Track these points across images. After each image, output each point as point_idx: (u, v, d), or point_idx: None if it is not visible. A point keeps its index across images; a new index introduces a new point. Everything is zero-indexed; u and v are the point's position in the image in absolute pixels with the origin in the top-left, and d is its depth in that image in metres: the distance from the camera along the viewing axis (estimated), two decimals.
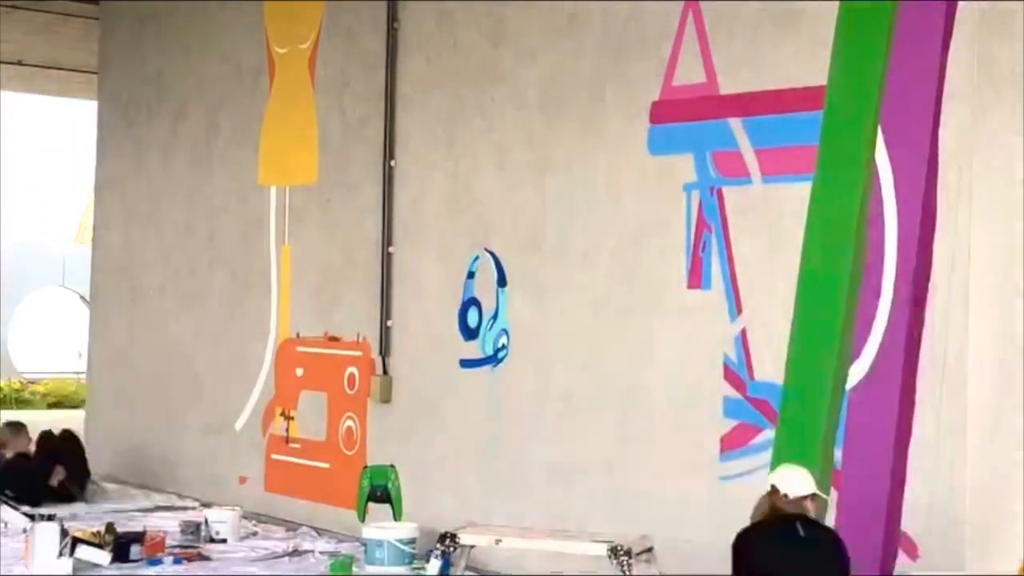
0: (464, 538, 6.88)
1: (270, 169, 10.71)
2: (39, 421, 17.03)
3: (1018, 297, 6.16)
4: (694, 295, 7.27)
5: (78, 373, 20.51)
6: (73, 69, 17.02)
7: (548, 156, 8.21)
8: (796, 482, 6.00)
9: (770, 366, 6.81)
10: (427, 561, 8.17)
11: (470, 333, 8.68)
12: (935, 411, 6.14)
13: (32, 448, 10.86)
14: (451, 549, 6.86)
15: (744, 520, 6.57)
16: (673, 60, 7.43)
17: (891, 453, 6.27)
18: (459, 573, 7.99)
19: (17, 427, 11.05)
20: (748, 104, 6.81)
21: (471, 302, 8.70)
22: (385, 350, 9.37)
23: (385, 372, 9.36)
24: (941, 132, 6.19)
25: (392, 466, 8.28)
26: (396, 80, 9.39)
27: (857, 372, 6.44)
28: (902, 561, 6.22)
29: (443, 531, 6.93)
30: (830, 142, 6.62)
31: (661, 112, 7.51)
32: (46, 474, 10.58)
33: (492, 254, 8.56)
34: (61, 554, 8.18)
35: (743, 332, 7.00)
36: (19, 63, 16.97)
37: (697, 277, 7.25)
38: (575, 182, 8.01)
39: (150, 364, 12.08)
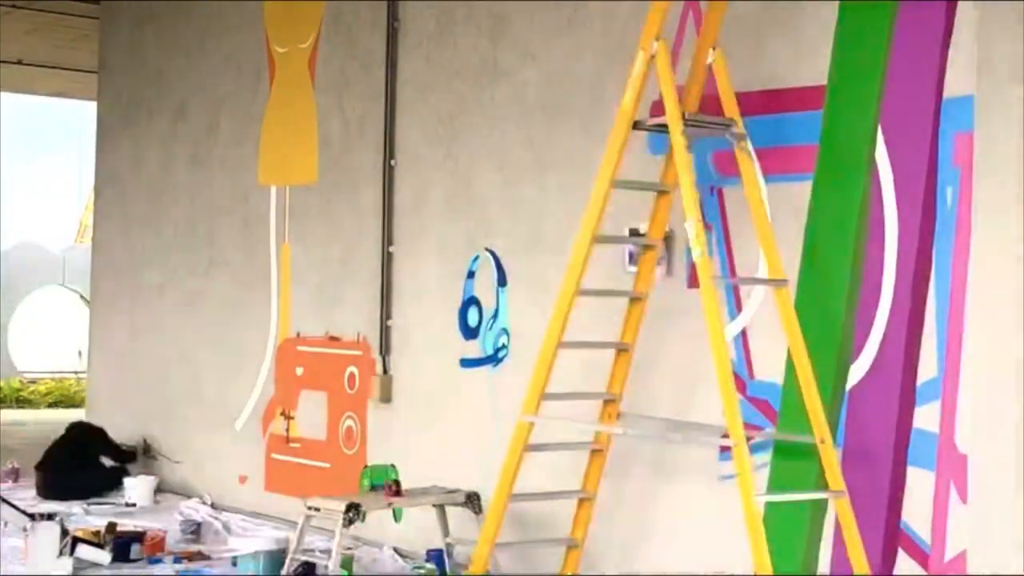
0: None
1: (270, 169, 10.72)
2: (39, 421, 17.06)
3: (1018, 297, 6.16)
4: (694, 295, 7.26)
5: (78, 373, 20.52)
6: (73, 69, 17.04)
7: (548, 156, 8.21)
8: None
9: (770, 366, 6.81)
10: (427, 561, 8.23)
11: (470, 333, 8.69)
12: (935, 410, 6.14)
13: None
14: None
15: (743, 522, 6.59)
16: (673, 60, 7.42)
17: (891, 452, 6.27)
18: (458, 573, 8.01)
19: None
20: (748, 104, 6.80)
21: (471, 302, 8.70)
22: (385, 350, 9.37)
23: (385, 372, 9.37)
24: (941, 131, 6.19)
25: (392, 466, 8.28)
26: (396, 80, 9.40)
27: (857, 372, 6.44)
28: (904, 562, 6.23)
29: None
30: (830, 142, 6.62)
31: (661, 112, 7.49)
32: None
33: (492, 254, 8.56)
34: (61, 554, 8.19)
35: (743, 332, 7.00)
36: (19, 63, 16.98)
37: (697, 277, 7.24)
38: (575, 182, 8.01)
39: (150, 364, 12.09)
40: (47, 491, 11.06)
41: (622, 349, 7.17)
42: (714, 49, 6.70)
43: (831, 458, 6.20)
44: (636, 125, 6.73)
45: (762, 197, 6.57)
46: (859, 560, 6.09)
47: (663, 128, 6.57)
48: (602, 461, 7.24)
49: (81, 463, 11.25)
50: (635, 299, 7.16)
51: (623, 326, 7.16)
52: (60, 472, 11.14)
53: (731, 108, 6.61)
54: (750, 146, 6.60)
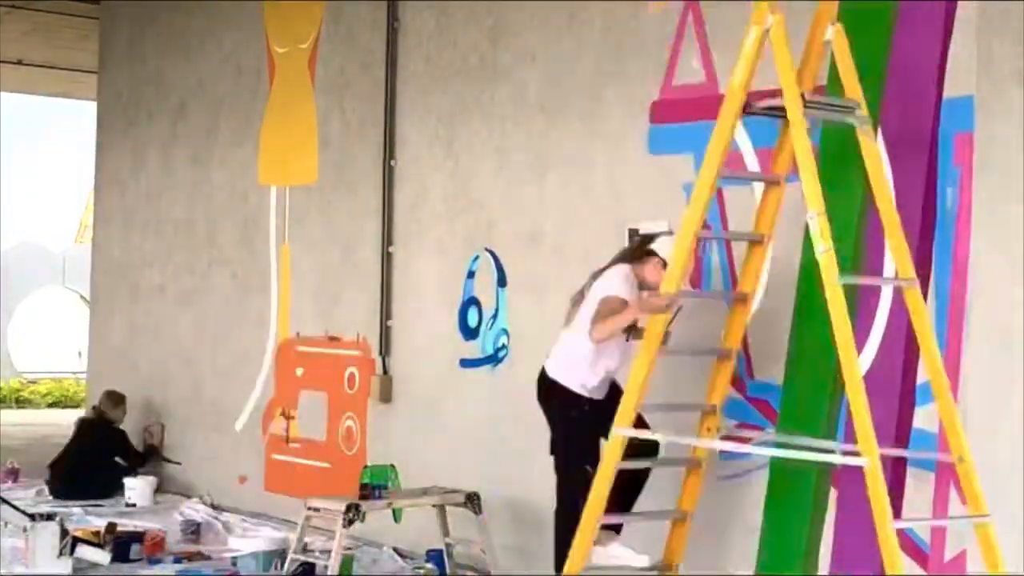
0: None
1: (270, 169, 10.72)
2: (39, 421, 17.04)
3: (1018, 296, 6.16)
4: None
5: (78, 373, 20.52)
6: (73, 69, 17.03)
7: (548, 156, 8.21)
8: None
9: (770, 366, 6.80)
10: (427, 561, 8.23)
11: (470, 333, 8.69)
12: (934, 410, 6.13)
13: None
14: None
15: (743, 522, 6.59)
16: (673, 60, 7.43)
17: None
18: (455, 573, 8.01)
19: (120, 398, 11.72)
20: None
21: (471, 302, 8.70)
22: (385, 350, 9.37)
23: (385, 372, 9.37)
24: (941, 131, 6.19)
25: (392, 466, 8.28)
26: (396, 80, 9.40)
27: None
28: (904, 562, 6.21)
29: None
30: (830, 142, 6.61)
31: (661, 112, 7.50)
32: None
33: (492, 254, 8.56)
34: (61, 554, 8.19)
35: (743, 332, 6.98)
36: (19, 63, 16.98)
37: (697, 277, 7.24)
38: (575, 182, 8.02)
39: (150, 364, 12.09)
40: (62, 491, 11.05)
41: (724, 356, 6.54)
42: (834, 24, 6.13)
43: (971, 478, 5.71)
44: (747, 108, 6.13)
45: (888, 188, 6.01)
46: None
47: (777, 111, 6.05)
48: (699, 477, 6.58)
49: (97, 462, 11.23)
50: (739, 300, 6.55)
51: (725, 331, 6.57)
52: (76, 471, 11.12)
53: (853, 89, 6.04)
54: (872, 132, 6.08)
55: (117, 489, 10.93)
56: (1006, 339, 6.13)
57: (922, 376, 6.20)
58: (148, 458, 11.52)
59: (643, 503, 6.85)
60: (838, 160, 6.55)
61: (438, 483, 8.24)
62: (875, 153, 6.01)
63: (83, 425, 11.64)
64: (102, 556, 8.42)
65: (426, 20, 9.17)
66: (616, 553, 6.64)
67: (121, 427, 11.50)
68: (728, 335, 6.53)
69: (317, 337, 10.05)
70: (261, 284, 10.70)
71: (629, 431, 6.21)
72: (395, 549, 8.86)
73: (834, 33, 6.10)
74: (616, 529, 6.71)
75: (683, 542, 6.55)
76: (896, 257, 5.95)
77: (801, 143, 5.78)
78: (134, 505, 10.71)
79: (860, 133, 6.02)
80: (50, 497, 11.04)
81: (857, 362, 5.63)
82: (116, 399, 11.61)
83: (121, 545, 8.57)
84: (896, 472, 6.23)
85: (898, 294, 6.26)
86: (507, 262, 8.48)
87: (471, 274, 8.72)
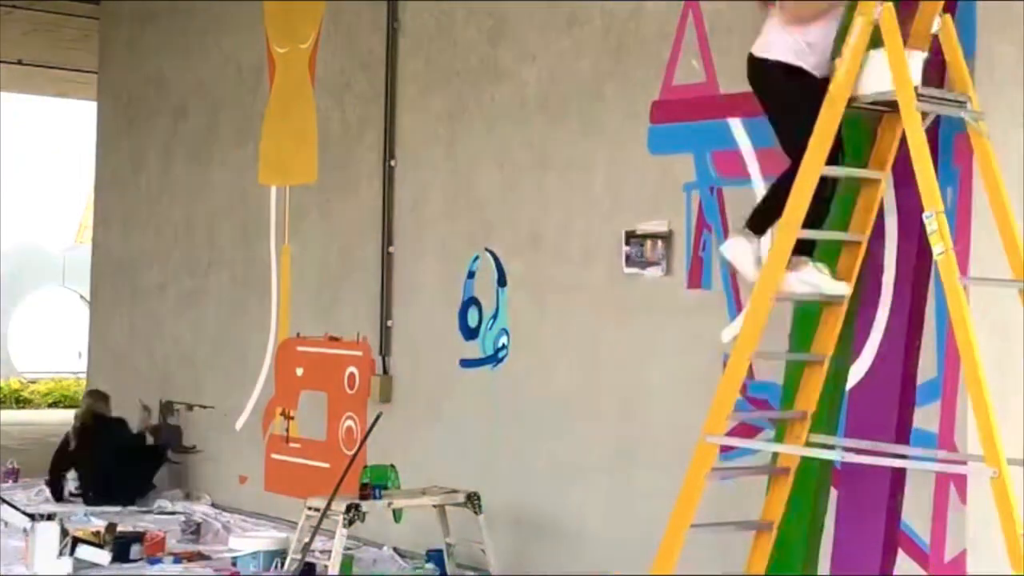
0: None
1: (270, 169, 10.72)
2: (39, 421, 17.04)
3: (1017, 297, 6.15)
4: (694, 295, 7.27)
5: (78, 373, 20.53)
6: (73, 69, 17.05)
7: (548, 156, 8.21)
8: None
9: (770, 366, 6.80)
10: (427, 561, 8.23)
11: (470, 333, 8.69)
12: (935, 410, 6.14)
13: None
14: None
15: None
16: (673, 60, 7.43)
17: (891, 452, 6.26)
18: (455, 573, 8.02)
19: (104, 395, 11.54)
20: (748, 104, 6.79)
21: (471, 302, 8.70)
22: (385, 350, 9.37)
23: (385, 372, 9.37)
24: (941, 132, 6.18)
25: (392, 466, 8.29)
26: (396, 80, 9.40)
27: (857, 372, 6.44)
28: (904, 562, 6.22)
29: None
30: None
31: (661, 112, 7.51)
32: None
33: (492, 254, 8.56)
34: (61, 554, 8.19)
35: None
36: (19, 63, 17.00)
37: (697, 277, 7.25)
38: (575, 182, 8.02)
39: (150, 364, 12.09)
40: (96, 497, 10.78)
41: (816, 362, 6.22)
42: (942, 15, 5.90)
43: (1006, 494, 5.35)
44: (851, 102, 5.88)
45: (1002, 186, 5.72)
46: None
47: (883, 106, 5.88)
48: (785, 485, 6.22)
49: (124, 464, 11.01)
50: (828, 304, 6.19)
51: (817, 335, 6.25)
52: (108, 477, 10.86)
53: (963, 83, 5.86)
54: (986, 127, 5.82)
55: (149, 490, 10.83)
56: (1006, 338, 6.14)
57: (922, 377, 6.21)
58: (163, 446, 11.22)
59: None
60: None
61: (438, 483, 8.25)
62: (987, 151, 5.79)
63: (84, 432, 11.09)
64: (102, 556, 8.42)
65: (426, 20, 9.17)
66: (809, 278, 6.05)
67: (116, 416, 11.33)
68: (820, 339, 6.23)
69: (317, 337, 10.05)
70: (261, 284, 10.70)
71: (721, 439, 6.01)
72: (395, 549, 8.87)
73: (942, 24, 5.88)
74: (808, 250, 6.11)
75: (766, 553, 6.19)
76: (1011, 259, 5.75)
77: (916, 137, 5.55)
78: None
79: (971, 129, 5.83)
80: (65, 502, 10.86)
81: (981, 366, 5.32)
82: (102, 395, 11.44)
83: (121, 545, 8.58)
84: (896, 472, 6.23)
85: (898, 295, 6.27)
86: (507, 262, 8.48)
87: (471, 274, 8.72)
